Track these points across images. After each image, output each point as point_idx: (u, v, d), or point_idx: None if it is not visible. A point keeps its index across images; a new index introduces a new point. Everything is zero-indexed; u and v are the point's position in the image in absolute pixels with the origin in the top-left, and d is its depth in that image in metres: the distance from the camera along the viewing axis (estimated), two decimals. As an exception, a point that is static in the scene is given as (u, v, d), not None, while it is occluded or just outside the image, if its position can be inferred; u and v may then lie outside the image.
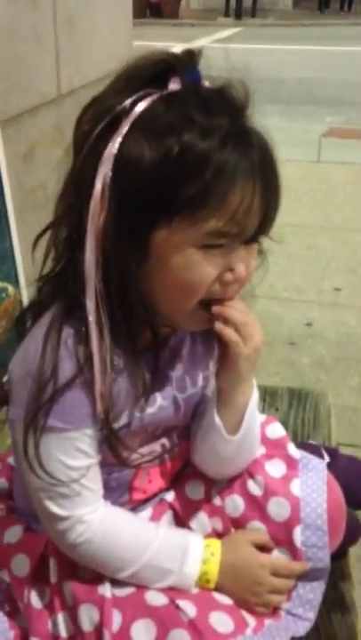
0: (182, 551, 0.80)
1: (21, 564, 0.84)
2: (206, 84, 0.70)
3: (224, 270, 0.70)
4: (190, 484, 0.90)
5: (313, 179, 3.88)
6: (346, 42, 11.00)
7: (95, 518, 0.77)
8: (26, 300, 1.42)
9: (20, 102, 1.57)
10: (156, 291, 0.70)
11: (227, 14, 15.61)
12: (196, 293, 0.70)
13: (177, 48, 0.72)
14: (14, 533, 0.87)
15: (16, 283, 1.39)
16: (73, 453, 0.74)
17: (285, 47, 10.44)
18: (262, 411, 0.91)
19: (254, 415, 0.84)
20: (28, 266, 1.41)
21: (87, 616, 0.78)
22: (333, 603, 0.92)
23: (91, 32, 1.99)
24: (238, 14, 15.11)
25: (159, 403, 0.80)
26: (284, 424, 0.98)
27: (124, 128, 0.65)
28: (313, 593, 0.85)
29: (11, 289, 1.36)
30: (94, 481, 0.78)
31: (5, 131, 1.44)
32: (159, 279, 0.69)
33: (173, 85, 0.67)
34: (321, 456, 0.93)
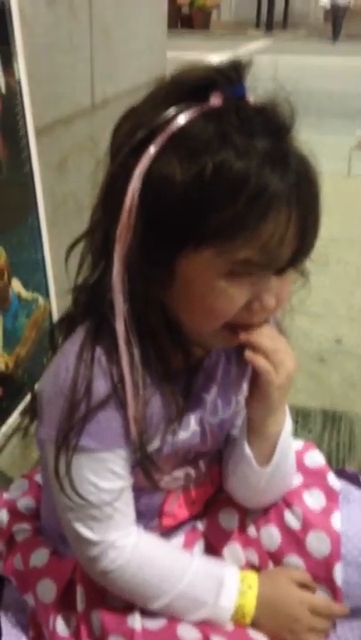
0: (218, 582, 0.76)
1: (47, 590, 0.81)
2: (251, 98, 0.64)
3: (252, 300, 0.65)
4: (224, 512, 0.87)
5: (343, 192, 3.83)
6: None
7: (128, 544, 0.74)
8: (56, 312, 1.40)
9: (54, 112, 1.57)
10: (180, 312, 0.67)
11: (257, 26, 15.67)
12: (221, 319, 0.66)
13: (224, 57, 0.68)
14: (41, 557, 0.84)
15: (46, 294, 1.37)
16: (105, 475, 0.71)
17: (316, 60, 10.42)
18: (295, 432, 0.87)
19: (288, 445, 0.80)
20: (58, 277, 1.40)
21: None
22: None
23: (126, 43, 1.98)
24: (269, 26, 15.16)
25: (193, 428, 0.77)
26: (318, 447, 0.94)
27: (159, 143, 0.61)
28: (352, 632, 0.82)
29: (41, 300, 1.35)
30: (127, 504, 0.75)
31: (40, 140, 1.43)
32: (183, 302, 0.66)
33: (215, 100, 0.62)
34: (359, 485, 0.89)
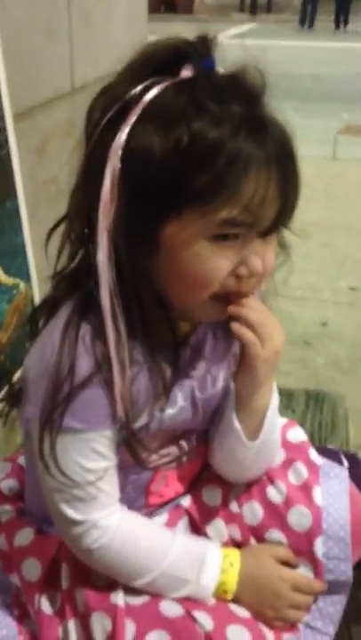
0: (200, 560, 0.77)
1: (32, 568, 0.82)
2: (221, 71, 0.66)
3: (238, 264, 0.66)
4: (207, 489, 0.87)
5: (329, 176, 3.84)
6: (361, 38, 10.93)
7: (111, 523, 0.75)
8: (37, 297, 1.39)
9: (33, 96, 1.55)
10: (168, 284, 0.68)
11: (241, 10, 15.56)
12: (208, 287, 0.67)
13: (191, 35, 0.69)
14: (25, 536, 0.84)
15: (27, 279, 1.37)
16: (90, 455, 0.71)
17: (301, 43, 10.38)
18: (279, 412, 0.88)
19: (275, 420, 0.81)
20: (39, 262, 1.39)
21: (99, 625, 0.75)
22: (354, 614, 0.89)
23: (105, 26, 1.96)
24: (253, 10, 15.07)
25: (180, 404, 0.77)
26: (301, 426, 0.94)
27: (133, 117, 0.62)
28: (333, 607, 0.83)
29: (22, 285, 1.34)
30: (111, 484, 0.75)
31: (18, 124, 1.42)
32: (170, 272, 0.66)
33: (186, 73, 0.64)
34: (340, 462, 0.90)
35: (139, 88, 0.63)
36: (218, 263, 0.65)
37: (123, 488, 0.77)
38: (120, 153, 0.62)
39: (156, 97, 0.62)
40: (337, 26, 12.78)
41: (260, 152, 0.62)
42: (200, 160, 0.61)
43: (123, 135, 0.62)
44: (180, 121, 0.61)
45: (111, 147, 0.62)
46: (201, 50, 0.64)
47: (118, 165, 0.62)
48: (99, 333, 0.67)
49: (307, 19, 12.99)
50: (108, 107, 0.64)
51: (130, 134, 0.62)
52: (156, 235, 0.64)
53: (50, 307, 0.74)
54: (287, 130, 0.66)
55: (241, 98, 0.63)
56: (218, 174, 0.61)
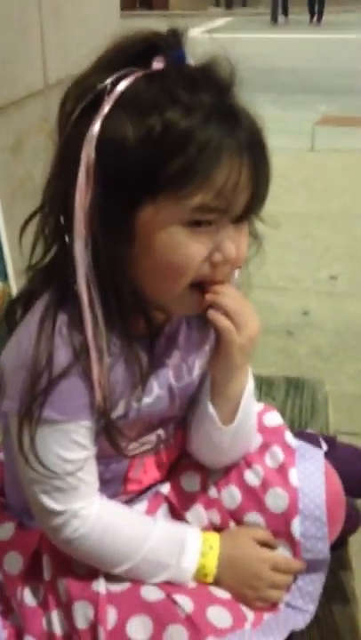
0: (180, 545, 0.78)
1: (14, 562, 0.82)
2: (191, 62, 0.68)
3: (213, 250, 0.68)
4: (186, 475, 0.88)
5: (307, 167, 3.86)
6: (337, 29, 10.98)
7: (91, 513, 0.75)
8: (14, 292, 1.39)
9: (6, 93, 1.55)
10: (144, 274, 0.69)
11: (217, 4, 15.55)
12: (184, 275, 0.68)
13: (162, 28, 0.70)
14: (6, 530, 0.85)
15: (4, 276, 1.37)
16: (69, 446, 0.72)
17: (277, 36, 10.40)
18: (259, 400, 0.90)
19: (250, 405, 0.82)
20: (16, 259, 1.39)
21: (82, 613, 0.76)
22: (334, 593, 0.90)
23: (78, 23, 1.96)
24: (229, 4, 15.07)
25: (156, 392, 0.78)
26: (282, 413, 0.96)
27: (106, 107, 0.63)
28: (313, 585, 0.84)
29: (0, 284, 1.34)
30: (91, 474, 0.76)
31: (-8, 122, 1.42)
32: (146, 261, 0.67)
33: (157, 64, 0.66)
34: (319, 445, 0.91)
35: (111, 78, 0.64)
36: (193, 249, 0.67)
37: (101, 477, 0.78)
38: (94, 142, 0.63)
39: (129, 87, 0.64)
40: (311, 19, 12.68)
41: (231, 139, 0.64)
42: (173, 147, 0.62)
43: (97, 124, 0.63)
44: (152, 110, 0.63)
45: (85, 136, 0.63)
46: (172, 42, 0.66)
47: (93, 154, 0.63)
48: (75, 323, 0.68)
49: (278, 13, 12.87)
50: (80, 97, 0.65)
51: (103, 124, 0.63)
52: (132, 222, 0.65)
53: (25, 300, 0.75)
54: (257, 120, 0.68)
55: (211, 88, 0.65)
56: (190, 161, 0.62)
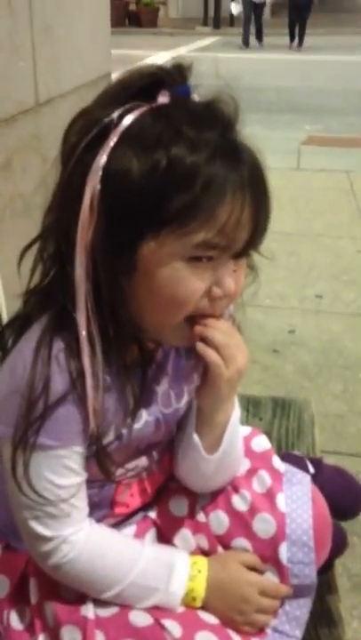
0: (169, 568, 0.78)
1: (0, 585, 0.82)
2: (196, 97, 0.69)
3: (212, 285, 0.69)
4: (174, 500, 0.88)
5: (293, 186, 3.90)
6: (321, 51, 11.16)
7: (80, 538, 0.75)
8: (5, 314, 1.39)
9: (-4, 111, 1.55)
10: (144, 305, 0.69)
11: (205, 23, 15.73)
12: (184, 308, 0.69)
13: (167, 61, 0.71)
14: (-7, 553, 0.84)
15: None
16: (62, 472, 0.72)
17: (264, 56, 10.54)
18: (246, 420, 0.90)
19: (235, 433, 0.83)
20: (6, 279, 1.39)
21: (70, 638, 0.75)
22: (320, 617, 0.90)
23: (68, 41, 1.98)
24: (217, 23, 15.24)
25: (145, 418, 0.78)
26: (268, 434, 0.97)
27: (112, 140, 0.64)
28: (300, 610, 0.84)
29: (-11, 302, 1.34)
30: (82, 500, 0.76)
31: (-18, 140, 1.42)
32: (147, 293, 0.68)
33: (162, 99, 0.66)
34: (305, 467, 0.92)
35: (117, 112, 0.65)
36: (193, 284, 0.67)
37: (89, 499, 0.78)
38: (100, 174, 0.64)
39: (135, 121, 0.65)
40: (291, 43, 12.27)
41: (235, 177, 0.65)
42: (178, 183, 0.63)
43: (103, 157, 0.64)
44: (158, 145, 0.64)
45: (90, 168, 0.64)
46: (177, 77, 0.68)
47: (98, 186, 0.64)
48: (72, 350, 0.68)
49: (249, 39, 12.35)
50: (86, 129, 0.66)
51: (109, 157, 0.64)
52: (134, 255, 0.66)
53: (20, 324, 0.75)
54: (259, 156, 0.69)
55: (216, 124, 0.66)
56: (195, 198, 0.63)
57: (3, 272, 1.38)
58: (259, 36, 12.59)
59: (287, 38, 12.43)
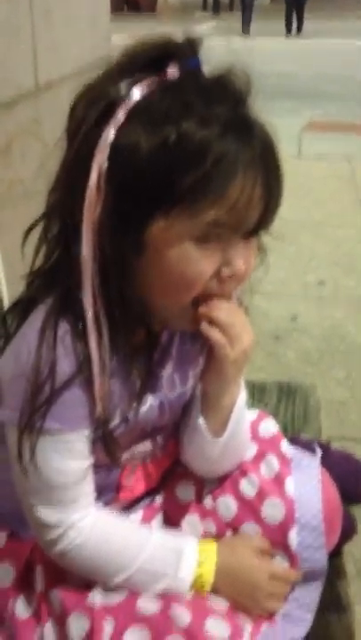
0: (177, 554, 0.77)
1: (5, 573, 0.81)
2: (206, 71, 0.66)
3: (221, 265, 0.67)
4: (181, 485, 0.87)
5: (294, 173, 3.86)
6: (322, 35, 11.08)
7: (87, 524, 0.74)
8: (7, 298, 1.38)
9: (-4, 95, 1.53)
10: (152, 285, 0.67)
11: (204, 8, 15.60)
12: (192, 289, 0.67)
13: (178, 35, 0.69)
14: (-2, 540, 0.83)
15: (-5, 281, 1.35)
16: (69, 456, 0.71)
17: (263, 41, 10.45)
18: (251, 406, 0.89)
19: (241, 416, 0.81)
20: (7, 263, 1.37)
21: (77, 625, 0.75)
22: (329, 602, 0.90)
23: (68, 25, 1.95)
24: (216, 8, 15.10)
25: (150, 402, 0.77)
26: (274, 419, 0.95)
27: (121, 115, 0.62)
28: (310, 595, 0.83)
29: (-10, 287, 1.32)
30: (89, 484, 0.75)
31: (-18, 124, 1.40)
32: (155, 273, 0.66)
33: (172, 71, 0.63)
34: (314, 452, 0.91)
35: (124, 85, 0.62)
36: (203, 265, 0.66)
37: (95, 484, 0.77)
38: (107, 150, 0.62)
39: (144, 96, 0.62)
40: (288, 31, 11.89)
41: (246, 154, 0.63)
42: (188, 159, 0.61)
43: (111, 132, 0.62)
44: (167, 120, 0.61)
45: (97, 144, 0.62)
46: (187, 49, 0.64)
47: (106, 163, 0.62)
48: (78, 332, 0.67)
49: (247, 25, 11.88)
50: (92, 103, 0.63)
51: (117, 132, 0.62)
52: (142, 234, 0.64)
53: (24, 307, 0.73)
54: (270, 131, 0.67)
55: (227, 99, 0.64)
56: (206, 175, 0.61)
57: (3, 257, 1.37)
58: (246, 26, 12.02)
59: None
